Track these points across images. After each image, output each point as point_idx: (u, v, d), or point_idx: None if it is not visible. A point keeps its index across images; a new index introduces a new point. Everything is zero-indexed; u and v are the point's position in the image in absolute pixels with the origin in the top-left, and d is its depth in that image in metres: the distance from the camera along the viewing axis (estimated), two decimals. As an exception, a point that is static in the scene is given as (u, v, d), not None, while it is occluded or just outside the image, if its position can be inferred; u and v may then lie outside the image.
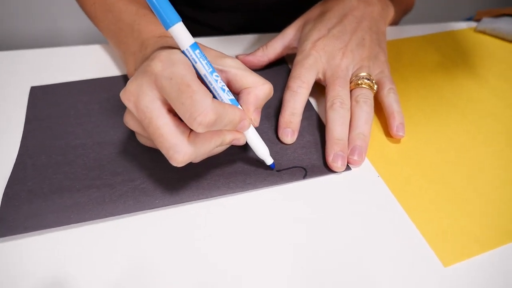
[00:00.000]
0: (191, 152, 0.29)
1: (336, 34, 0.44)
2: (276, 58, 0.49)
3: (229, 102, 0.32)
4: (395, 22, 0.64)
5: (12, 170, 0.36)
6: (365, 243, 0.33)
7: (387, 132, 0.42)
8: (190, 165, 0.36)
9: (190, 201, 0.34)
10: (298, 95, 0.40)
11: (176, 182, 0.35)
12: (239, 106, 0.33)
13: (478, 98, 0.48)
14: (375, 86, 0.42)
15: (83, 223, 0.32)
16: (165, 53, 0.29)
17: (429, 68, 0.53)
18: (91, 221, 0.32)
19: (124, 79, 0.46)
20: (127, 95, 0.30)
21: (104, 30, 0.46)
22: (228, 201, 0.35)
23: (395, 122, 0.40)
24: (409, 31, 0.60)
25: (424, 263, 0.32)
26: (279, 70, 0.50)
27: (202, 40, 0.53)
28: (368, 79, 0.41)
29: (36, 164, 0.36)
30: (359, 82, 0.41)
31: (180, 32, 0.29)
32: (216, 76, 0.31)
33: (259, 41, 0.55)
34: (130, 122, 0.32)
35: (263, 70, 0.49)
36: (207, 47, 0.35)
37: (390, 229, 0.34)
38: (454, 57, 0.55)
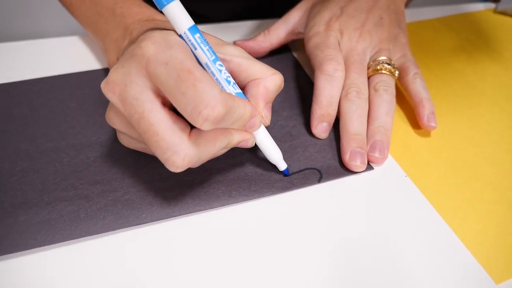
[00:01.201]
0: (193, 154, 0.24)
1: (350, 12, 0.38)
2: (279, 45, 0.43)
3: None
4: (406, 3, 0.58)
5: (-32, 181, 0.29)
6: (402, 261, 0.27)
7: (413, 123, 0.36)
8: (184, 170, 0.31)
9: (184, 214, 0.28)
10: (335, 80, 0.34)
11: (167, 191, 0.29)
12: (245, 98, 0.27)
13: (507, 83, 0.43)
14: (397, 71, 0.36)
15: (52, 245, 0.26)
16: (158, 34, 0.24)
17: (449, 52, 0.47)
18: (62, 243, 0.26)
19: (105, 72, 0.40)
20: (110, 86, 0.24)
21: (82, 18, 0.40)
22: (230, 212, 0.29)
23: (425, 111, 0.35)
24: (423, 13, 0.54)
25: (474, 281, 0.26)
26: (282, 58, 0.44)
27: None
28: (389, 64, 0.36)
29: None
30: (378, 67, 0.35)
31: (177, 12, 0.24)
32: (220, 65, 0.26)
33: (259, 28, 0.49)
34: (113, 119, 0.26)
35: (264, 58, 0.43)
36: (205, 32, 0.29)
37: (428, 241, 0.28)
38: (475, 41, 0.50)
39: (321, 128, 0.34)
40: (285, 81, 0.40)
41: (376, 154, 0.32)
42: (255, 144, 0.29)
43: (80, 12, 0.40)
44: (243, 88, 0.29)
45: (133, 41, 0.29)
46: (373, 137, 0.32)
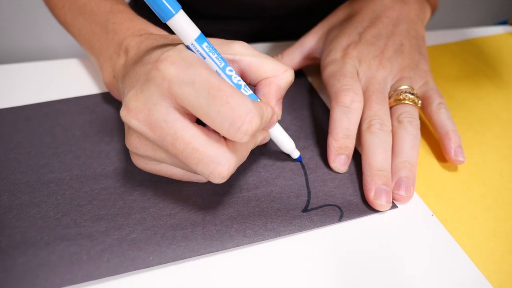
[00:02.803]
0: (235, 162, 0.24)
1: (369, 39, 0.36)
2: (293, 70, 0.41)
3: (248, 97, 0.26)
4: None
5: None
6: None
7: (438, 156, 0.34)
8: (194, 205, 0.29)
9: (195, 256, 0.26)
10: (352, 112, 0.32)
11: (177, 229, 0.27)
12: (258, 100, 0.27)
13: (534, 112, 0.41)
14: (420, 101, 0.34)
15: (52, 291, 0.24)
16: (173, 53, 0.23)
17: (471, 78, 0.45)
18: (63, 288, 0.24)
19: (110, 95, 0.38)
20: (133, 113, 0.24)
21: (77, 36, 0.38)
22: (244, 253, 0.27)
23: (452, 144, 0.33)
24: (439, 37, 0.53)
25: None
26: (296, 83, 0.42)
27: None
28: (412, 94, 0.34)
29: None
30: (401, 97, 0.33)
31: (182, 23, 0.23)
32: (230, 70, 0.26)
33: (271, 51, 0.47)
34: (138, 145, 0.26)
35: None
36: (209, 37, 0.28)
37: (458, 286, 0.26)
38: (497, 66, 0.48)
39: (339, 161, 0.32)
40: (299, 108, 0.38)
41: (402, 192, 0.30)
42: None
43: (75, 30, 0.38)
44: (254, 85, 0.29)
45: (136, 61, 0.28)
46: (398, 174, 0.30)
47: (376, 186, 0.29)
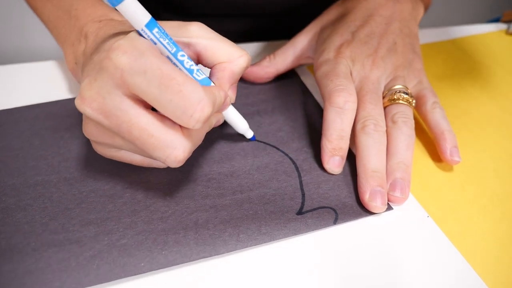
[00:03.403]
0: (190, 145, 0.25)
1: (362, 38, 0.35)
2: (285, 70, 0.41)
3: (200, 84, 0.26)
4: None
5: None
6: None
7: (433, 156, 0.34)
8: (187, 207, 0.28)
9: (187, 262, 0.25)
10: (346, 113, 0.31)
11: (168, 233, 0.27)
12: (212, 83, 0.28)
13: (528, 111, 0.41)
14: (414, 101, 0.34)
15: (39, 300, 0.23)
16: (125, 42, 0.23)
17: (464, 76, 0.45)
18: (50, 297, 0.23)
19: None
20: (88, 101, 0.24)
21: (47, 23, 0.38)
22: (237, 258, 0.26)
23: (448, 144, 0.32)
24: (431, 35, 0.52)
25: None
26: (289, 83, 0.41)
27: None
28: (406, 93, 0.33)
29: None
30: (395, 97, 0.33)
31: (131, 9, 0.23)
32: (182, 55, 0.26)
33: (263, 51, 0.47)
34: (94, 133, 0.26)
35: (269, 83, 0.41)
36: (164, 21, 0.28)
37: (457, 293, 0.25)
38: (490, 64, 0.48)
39: (333, 162, 0.31)
40: (292, 108, 0.38)
41: (397, 194, 0.29)
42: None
43: (44, 16, 0.38)
44: (210, 68, 0.29)
45: (92, 49, 0.28)
46: (393, 175, 0.30)
47: (371, 188, 0.29)
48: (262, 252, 0.27)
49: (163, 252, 0.26)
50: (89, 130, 0.26)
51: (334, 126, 0.31)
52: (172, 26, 0.27)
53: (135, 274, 0.25)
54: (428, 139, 0.36)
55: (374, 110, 0.32)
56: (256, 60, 0.43)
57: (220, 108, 0.28)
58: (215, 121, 0.29)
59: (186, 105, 0.22)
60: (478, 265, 0.27)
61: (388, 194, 0.30)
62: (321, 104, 0.39)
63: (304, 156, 0.33)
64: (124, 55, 0.23)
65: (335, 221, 0.28)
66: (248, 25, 0.55)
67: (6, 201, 0.28)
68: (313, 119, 0.37)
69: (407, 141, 0.31)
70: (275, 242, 0.27)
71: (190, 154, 0.26)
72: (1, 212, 0.27)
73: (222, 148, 0.33)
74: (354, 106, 0.32)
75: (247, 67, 0.29)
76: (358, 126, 0.32)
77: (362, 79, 0.34)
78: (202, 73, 0.27)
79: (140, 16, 0.24)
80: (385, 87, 0.35)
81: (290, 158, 0.33)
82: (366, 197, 0.29)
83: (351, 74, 0.34)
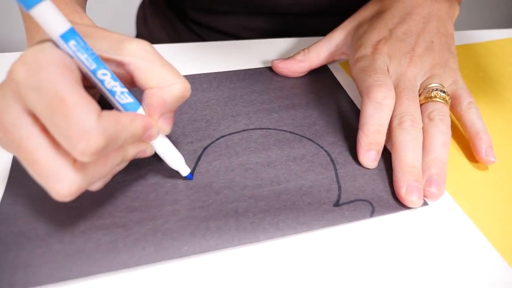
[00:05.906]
0: (80, 181, 0.22)
1: (400, 35, 0.36)
2: (319, 65, 0.41)
3: (122, 109, 0.24)
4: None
5: (-2, 203, 0.28)
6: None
7: (468, 155, 0.34)
8: (226, 197, 0.29)
9: (228, 247, 0.26)
10: (384, 108, 0.32)
11: (210, 220, 0.27)
12: (141, 109, 0.25)
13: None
14: (449, 99, 0.34)
15: (89, 277, 0.24)
16: (30, 52, 0.21)
17: (497, 79, 0.45)
18: (99, 274, 0.24)
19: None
20: None
21: (23, 15, 0.35)
22: (277, 245, 0.27)
23: (483, 144, 0.33)
24: (464, 37, 0.52)
25: None
26: (322, 78, 0.42)
27: (221, 45, 0.45)
28: (443, 92, 0.33)
29: (30, 197, 0.28)
30: (432, 94, 0.33)
31: (46, 16, 0.20)
32: (104, 74, 0.23)
33: (294, 47, 0.47)
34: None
35: (302, 77, 0.41)
36: (105, 29, 0.26)
37: (489, 286, 0.26)
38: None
39: (369, 156, 0.32)
40: (326, 103, 0.38)
41: (433, 189, 0.30)
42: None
43: (23, 13, 0.36)
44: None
45: None
46: (429, 171, 0.30)
47: (408, 183, 0.29)
48: (301, 241, 0.27)
49: (206, 237, 0.26)
50: None
51: (371, 121, 0.32)
52: (111, 41, 0.24)
53: (179, 257, 0.25)
54: (463, 138, 0.36)
55: (411, 107, 0.32)
56: (288, 55, 0.43)
57: (143, 138, 0.25)
58: (135, 152, 0.25)
59: (70, 133, 0.20)
60: (513, 263, 0.27)
61: (423, 189, 0.30)
62: (354, 100, 0.39)
63: (339, 149, 0.34)
64: (23, 67, 0.20)
65: (372, 214, 0.29)
66: (278, 24, 0.56)
67: None
68: (347, 115, 0.37)
69: (443, 139, 0.31)
70: (313, 231, 0.28)
71: (82, 191, 0.22)
72: (50, 198, 0.28)
73: (258, 138, 0.34)
74: (392, 101, 0.32)
75: (183, 96, 0.25)
76: (395, 122, 0.32)
77: (399, 75, 0.34)
78: (128, 96, 0.24)
79: (56, 25, 0.21)
80: (421, 85, 0.35)
81: (326, 151, 0.33)
82: (402, 191, 0.29)
83: (388, 70, 0.35)
